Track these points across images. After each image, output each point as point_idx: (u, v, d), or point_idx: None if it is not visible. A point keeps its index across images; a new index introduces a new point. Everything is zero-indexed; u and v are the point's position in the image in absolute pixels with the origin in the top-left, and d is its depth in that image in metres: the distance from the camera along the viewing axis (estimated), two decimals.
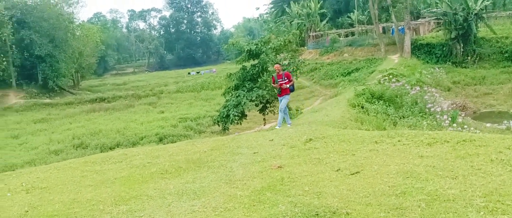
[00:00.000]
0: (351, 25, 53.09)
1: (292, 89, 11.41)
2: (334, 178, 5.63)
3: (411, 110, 14.00)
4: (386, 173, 5.52)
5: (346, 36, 50.55)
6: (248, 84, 18.32)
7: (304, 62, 20.82)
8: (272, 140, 8.71)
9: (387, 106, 14.07)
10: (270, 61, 18.29)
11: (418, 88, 16.51)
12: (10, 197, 6.13)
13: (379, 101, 14.48)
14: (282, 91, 11.18)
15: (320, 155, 6.91)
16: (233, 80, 18.99)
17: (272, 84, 11.76)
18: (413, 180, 5.12)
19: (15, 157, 18.17)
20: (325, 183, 5.47)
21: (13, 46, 45.96)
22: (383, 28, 44.03)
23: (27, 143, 21.86)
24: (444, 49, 32.37)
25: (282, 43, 19.11)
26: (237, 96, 17.92)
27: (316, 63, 42.82)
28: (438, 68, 28.50)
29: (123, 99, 39.45)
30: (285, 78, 11.13)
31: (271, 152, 7.57)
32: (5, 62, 43.57)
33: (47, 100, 41.51)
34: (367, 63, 35.46)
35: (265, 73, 18.32)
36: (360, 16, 51.61)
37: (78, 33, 56.90)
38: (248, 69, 18.69)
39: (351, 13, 53.31)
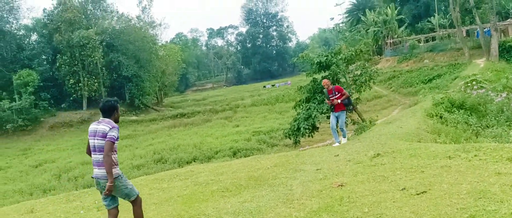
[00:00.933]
0: (432, 29, 50.38)
1: (346, 103, 10.88)
2: (397, 199, 5.25)
3: (497, 118, 12.78)
4: (456, 193, 5.04)
5: (427, 41, 48.11)
6: (319, 96, 17.98)
7: (377, 72, 20.03)
8: (338, 155, 8.43)
9: (468, 115, 13.02)
10: (341, 72, 17.88)
11: (504, 94, 15.07)
12: (83, 214, 6.53)
13: (459, 111, 13.45)
14: (336, 107, 10.68)
15: (386, 172, 6.52)
16: (304, 93, 18.78)
17: (326, 100, 11.26)
18: (485, 202, 4.60)
19: None
20: (387, 204, 5.13)
21: (103, 68, 49.97)
22: (467, 31, 41.27)
23: None
24: None
25: (353, 53, 18.56)
26: (307, 109, 17.68)
27: (394, 71, 41.27)
28: None
29: (201, 114, 40.96)
30: (336, 92, 10.62)
31: (334, 169, 7.30)
32: (96, 84, 47.63)
33: (134, 118, 44.36)
34: (449, 69, 33.45)
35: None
36: (442, 20, 48.82)
37: (161, 54, 60.52)
38: (318, 81, 18.40)
39: (432, 18, 50.57)
